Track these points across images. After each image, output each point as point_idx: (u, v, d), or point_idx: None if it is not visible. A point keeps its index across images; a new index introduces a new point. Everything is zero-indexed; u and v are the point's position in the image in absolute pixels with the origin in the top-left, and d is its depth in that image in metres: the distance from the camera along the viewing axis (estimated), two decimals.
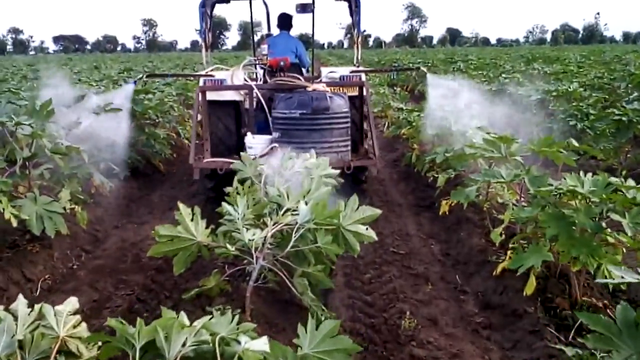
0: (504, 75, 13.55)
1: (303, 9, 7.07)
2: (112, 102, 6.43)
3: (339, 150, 5.85)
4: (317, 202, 3.78)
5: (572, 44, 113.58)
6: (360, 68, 7.15)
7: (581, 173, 3.47)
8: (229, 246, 3.49)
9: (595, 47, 58.45)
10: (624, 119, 6.31)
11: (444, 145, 5.98)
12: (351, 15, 7.18)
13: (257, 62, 6.76)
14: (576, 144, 4.27)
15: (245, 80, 6.56)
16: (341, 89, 6.39)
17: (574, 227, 3.24)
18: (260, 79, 6.68)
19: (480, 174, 4.14)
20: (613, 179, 3.38)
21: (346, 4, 7.19)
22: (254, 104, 6.23)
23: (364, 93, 6.52)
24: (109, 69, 21.07)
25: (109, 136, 6.19)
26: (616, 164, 6.79)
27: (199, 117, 6.43)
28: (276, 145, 5.68)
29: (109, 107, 6.16)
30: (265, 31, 8.23)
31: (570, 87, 8.96)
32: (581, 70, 14.98)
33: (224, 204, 3.78)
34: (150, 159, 7.57)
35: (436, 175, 6.05)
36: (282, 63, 6.41)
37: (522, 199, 4.37)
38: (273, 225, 3.62)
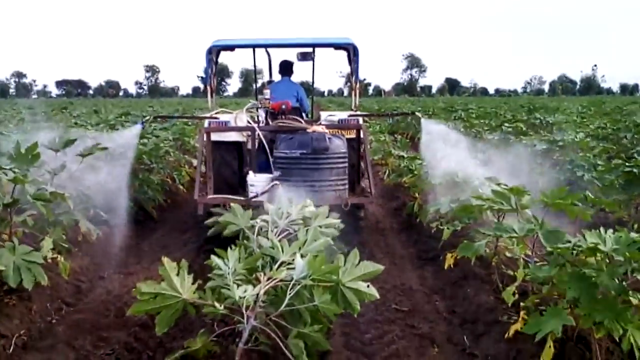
0: (506, 124, 13.40)
1: (303, 57, 7.45)
2: (118, 143, 6.64)
3: (337, 189, 6.08)
4: (315, 255, 3.51)
5: (569, 94, 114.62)
6: (358, 112, 7.44)
7: (601, 229, 3.20)
8: (217, 304, 3.20)
9: (595, 98, 58.87)
10: (635, 170, 6.07)
11: (448, 196, 5.71)
12: (349, 63, 7.50)
13: (260, 106, 6.95)
14: (592, 196, 4.02)
15: (248, 122, 6.74)
16: (339, 131, 6.69)
17: (596, 289, 2.95)
18: (263, 122, 6.84)
19: (490, 227, 3.87)
20: (634, 235, 3.11)
21: (345, 53, 7.51)
22: (256, 144, 6.47)
23: (362, 135, 6.76)
24: (108, 113, 20.99)
25: (100, 181, 6.02)
26: (626, 217, 6.51)
27: (204, 156, 6.57)
28: (277, 183, 5.80)
29: (98, 148, 5.92)
30: (266, 78, 8.48)
31: (576, 137, 8.76)
32: (584, 120, 14.88)
33: (213, 257, 3.51)
34: (143, 205, 7.29)
35: (440, 227, 5.79)
36: (283, 106, 6.77)
37: (534, 254, 4.08)
38: (266, 281, 3.34)
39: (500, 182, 4.73)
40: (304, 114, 7.33)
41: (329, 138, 6.02)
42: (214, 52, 7.29)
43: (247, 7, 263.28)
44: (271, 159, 6.29)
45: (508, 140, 10.47)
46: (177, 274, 3.24)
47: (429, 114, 20.76)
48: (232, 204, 4.66)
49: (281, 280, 3.35)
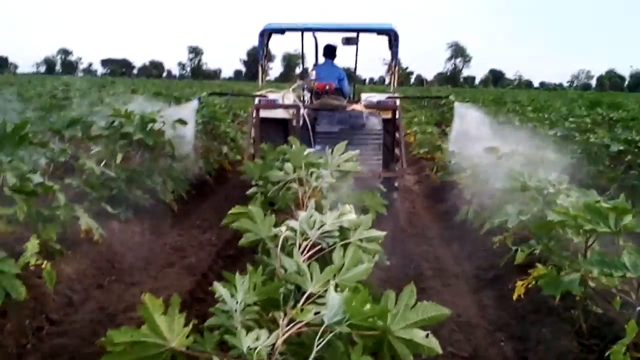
0: (571, 119, 12.19)
1: (348, 41, 8.15)
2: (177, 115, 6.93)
3: (371, 163, 6.61)
4: (354, 287, 2.63)
5: (617, 90, 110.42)
6: (396, 95, 7.76)
7: None
8: (215, 358, 2.33)
9: None
10: None
11: (516, 204, 4.73)
12: (390, 47, 8.00)
13: (305, 86, 7.83)
14: None
15: (294, 101, 7.26)
16: (377, 111, 7.08)
17: None
18: (307, 101, 7.67)
19: (589, 259, 2.90)
20: None
21: (387, 38, 8.00)
22: (300, 121, 6.87)
23: (397, 116, 7.17)
24: (142, 93, 20.35)
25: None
26: None
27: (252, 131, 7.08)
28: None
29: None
30: (307, 64, 9.54)
31: None
32: None
33: (215, 284, 2.63)
34: (159, 196, 6.47)
35: (503, 241, 4.83)
36: (327, 87, 7.37)
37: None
38: (287, 325, 2.46)
39: (588, 194, 3.77)
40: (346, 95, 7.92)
41: (365, 116, 6.78)
42: (265, 35, 7.87)
43: None
44: (311, 135, 6.68)
45: (573, 137, 9.35)
46: (165, 313, 2.37)
47: (477, 106, 19.61)
48: (252, 208, 3.79)
49: (307, 325, 2.45)
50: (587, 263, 2.86)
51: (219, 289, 2.53)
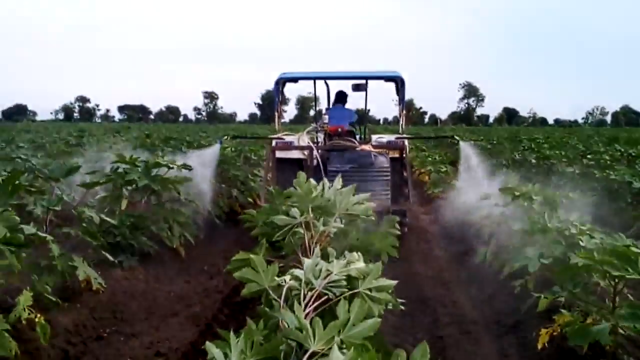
0: (589, 156, 11.93)
1: (357, 87, 8.82)
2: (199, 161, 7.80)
3: (380, 197, 6.92)
4: (361, 344, 2.41)
5: (633, 126, 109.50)
6: (404, 135, 8.38)
7: None
8: None
9: None
10: None
11: (537, 246, 4.46)
12: (397, 93, 8.64)
13: (319, 129, 8.71)
14: None
15: (308, 142, 7.80)
16: (385, 150, 7.69)
17: None
18: (321, 142, 8.32)
19: (620, 312, 2.64)
20: None
21: (394, 84, 8.63)
22: (314, 161, 7.47)
23: (405, 155, 7.87)
24: (155, 138, 20.42)
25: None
26: None
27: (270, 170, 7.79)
28: None
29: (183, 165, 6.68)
30: (320, 106, 10.17)
31: None
32: None
33: (208, 344, 2.40)
34: (165, 242, 6.29)
35: (525, 285, 4.56)
36: (339, 129, 8.08)
37: None
38: None
39: (615, 237, 3.52)
40: (357, 136, 8.54)
41: (374, 155, 7.31)
42: (280, 83, 8.46)
43: (307, 35, 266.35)
44: (324, 174, 6.98)
45: (592, 174, 9.08)
46: None
47: (492, 144, 19.42)
48: (253, 257, 3.58)
49: None
50: (619, 316, 2.60)
51: (212, 349, 2.31)
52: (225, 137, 10.32)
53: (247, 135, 21.23)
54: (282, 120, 9.39)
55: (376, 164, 7.22)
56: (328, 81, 9.20)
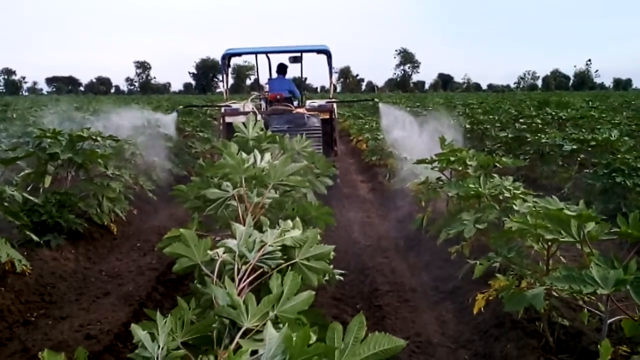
0: (521, 120, 12.15)
1: (294, 59, 9.96)
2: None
3: None
4: (296, 318, 2.32)
5: (563, 89, 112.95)
6: (333, 100, 9.74)
7: None
8: None
9: (595, 93, 57.42)
10: None
11: (471, 211, 4.47)
12: (328, 64, 9.77)
13: (261, 97, 10.09)
14: None
15: (253, 108, 8.96)
16: (317, 113, 8.89)
17: None
18: (264, 108, 9.45)
19: (555, 275, 2.64)
20: None
21: (325, 56, 9.67)
22: None
23: (333, 116, 9.10)
24: (85, 111, 19.64)
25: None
26: None
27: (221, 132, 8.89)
28: None
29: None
30: (259, 77, 11.17)
31: (612, 135, 7.52)
32: (603, 115, 13.58)
33: (134, 326, 2.26)
34: (94, 219, 6.04)
35: (461, 250, 4.60)
36: (278, 97, 9.22)
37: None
38: None
39: (545, 198, 3.53)
40: (295, 102, 9.69)
41: (307, 117, 8.57)
42: (226, 58, 9.54)
43: (243, 2, 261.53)
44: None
45: (525, 138, 9.26)
46: None
47: (428, 109, 19.62)
48: (184, 231, 3.43)
49: None
50: (553, 279, 2.60)
51: (137, 331, 2.17)
52: (181, 107, 11.99)
53: (199, 104, 22.40)
54: (218, 90, 9.92)
55: (309, 124, 8.47)
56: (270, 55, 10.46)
